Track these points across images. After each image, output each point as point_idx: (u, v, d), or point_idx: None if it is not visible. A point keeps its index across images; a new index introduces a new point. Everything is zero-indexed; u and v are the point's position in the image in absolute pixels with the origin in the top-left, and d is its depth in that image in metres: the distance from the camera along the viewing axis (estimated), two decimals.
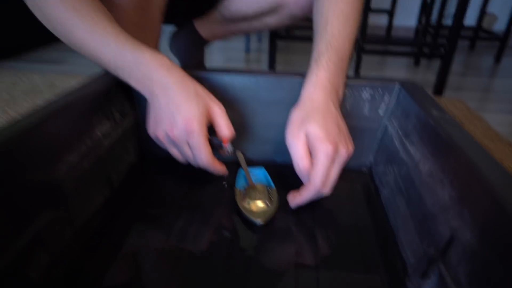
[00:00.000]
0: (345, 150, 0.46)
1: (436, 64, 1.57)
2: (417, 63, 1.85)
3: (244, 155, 0.62)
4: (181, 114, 0.46)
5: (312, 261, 0.44)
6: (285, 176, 0.58)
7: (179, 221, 0.50)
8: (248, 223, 0.50)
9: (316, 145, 0.45)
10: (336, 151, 0.45)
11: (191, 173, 0.61)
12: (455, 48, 1.16)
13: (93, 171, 0.47)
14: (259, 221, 0.49)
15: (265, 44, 2.06)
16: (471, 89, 1.52)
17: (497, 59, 1.96)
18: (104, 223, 0.48)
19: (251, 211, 0.50)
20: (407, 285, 0.39)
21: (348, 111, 0.59)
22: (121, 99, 0.56)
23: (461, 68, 1.84)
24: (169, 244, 0.46)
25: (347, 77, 0.57)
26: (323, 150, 0.45)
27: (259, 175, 0.60)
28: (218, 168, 0.52)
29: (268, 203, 0.52)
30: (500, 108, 1.33)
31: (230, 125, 0.52)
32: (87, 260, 0.43)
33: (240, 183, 0.57)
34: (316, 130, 0.46)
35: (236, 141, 0.63)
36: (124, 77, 0.50)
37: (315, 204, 0.53)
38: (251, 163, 0.63)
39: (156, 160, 0.64)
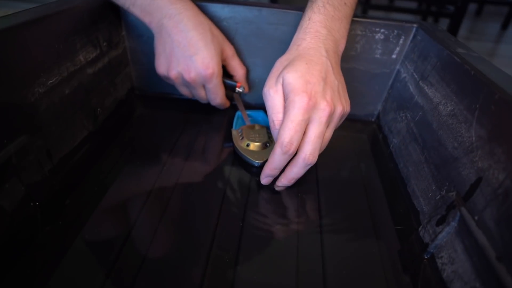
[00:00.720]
0: (326, 104, 0.37)
1: (442, 26, 1.51)
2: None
3: (240, 96, 0.57)
4: (199, 57, 0.45)
5: (314, 215, 0.41)
6: None
7: (171, 162, 0.46)
8: (246, 165, 0.46)
9: (289, 96, 0.37)
10: (313, 104, 0.37)
11: (184, 111, 0.56)
12: (468, 5, 1.09)
13: (74, 100, 0.42)
14: (258, 162, 0.45)
15: None
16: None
17: (504, 25, 1.90)
18: (89, 160, 0.44)
19: (249, 152, 0.46)
20: (420, 234, 0.36)
21: (358, 54, 0.54)
22: (108, 26, 0.50)
23: (466, 33, 1.78)
24: (159, 188, 0.42)
25: (358, 17, 0.51)
26: (295, 101, 0.36)
27: (257, 117, 0.56)
28: (226, 106, 0.55)
29: (268, 145, 0.48)
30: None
31: (242, 64, 0.53)
32: (69, 197, 0.39)
33: (237, 126, 0.53)
34: (292, 78, 0.37)
35: None
36: (126, 3, 0.46)
37: (318, 157, 0.49)
38: (250, 107, 0.58)
39: (146, 98, 0.59)
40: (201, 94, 0.50)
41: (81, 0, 0.45)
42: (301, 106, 0.36)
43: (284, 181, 0.41)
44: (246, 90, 0.55)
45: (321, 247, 0.36)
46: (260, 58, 0.56)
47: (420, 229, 0.36)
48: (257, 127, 0.50)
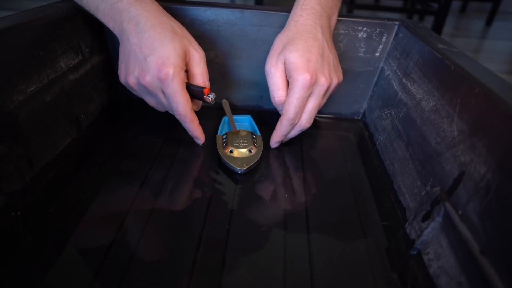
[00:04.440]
0: (325, 80, 0.42)
1: (428, 24, 1.52)
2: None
3: (230, 103, 0.56)
4: (153, 58, 0.39)
5: (301, 216, 0.40)
6: (273, 124, 0.52)
7: (156, 168, 0.45)
8: (231, 172, 0.45)
9: (292, 74, 0.42)
10: (314, 81, 0.42)
11: (170, 116, 0.55)
12: (451, 2, 1.11)
13: (56, 107, 0.41)
14: (240, 168, 0.44)
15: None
16: (462, 50, 1.49)
17: (488, 22, 1.92)
18: (73, 167, 0.43)
19: (232, 158, 0.45)
20: (407, 231, 0.36)
21: (342, 52, 0.54)
22: (89, 32, 0.50)
23: (451, 30, 1.80)
24: (144, 194, 0.41)
25: (341, 16, 0.52)
26: (299, 80, 0.41)
27: (244, 122, 0.55)
28: (194, 126, 0.45)
29: (252, 151, 0.47)
30: (492, 68, 1.30)
31: (206, 75, 0.45)
32: (52, 205, 0.38)
33: (223, 131, 0.52)
34: (294, 58, 0.42)
35: (219, 85, 0.58)
36: (91, 8, 0.44)
37: (304, 156, 0.49)
38: (235, 109, 0.58)
39: (131, 102, 0.59)
40: (165, 102, 0.43)
41: (60, 7, 0.44)
42: (305, 84, 0.41)
43: (281, 139, 0.49)
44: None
45: (309, 246, 0.36)
46: (244, 60, 0.56)
47: (406, 225, 0.37)
48: (242, 132, 0.49)
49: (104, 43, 0.54)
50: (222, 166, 0.46)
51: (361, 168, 0.48)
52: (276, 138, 0.48)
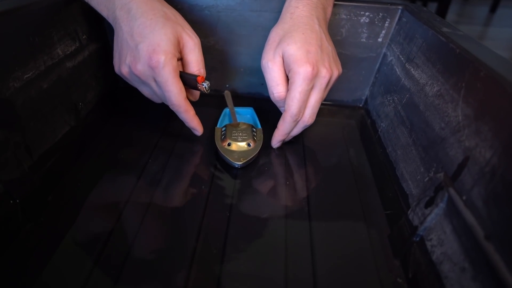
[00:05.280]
0: (326, 71, 0.40)
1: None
2: None
3: (231, 92, 0.55)
4: (144, 45, 0.38)
5: (302, 203, 0.40)
6: (274, 113, 0.50)
7: (155, 156, 0.45)
8: (229, 166, 0.44)
9: (293, 67, 0.39)
10: (316, 73, 0.39)
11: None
12: None
13: (53, 94, 0.41)
14: (237, 162, 0.43)
15: None
16: None
17: (493, 9, 1.89)
18: (71, 155, 0.43)
19: (230, 152, 0.44)
20: (409, 217, 0.36)
21: (344, 38, 0.53)
22: (87, 19, 0.49)
23: (455, 17, 1.77)
24: (144, 181, 0.41)
25: (343, 0, 0.51)
26: (300, 72, 0.39)
27: (245, 114, 0.53)
28: (190, 116, 0.43)
29: (251, 144, 0.45)
30: None
31: (202, 62, 0.43)
32: (51, 193, 0.38)
33: (223, 123, 0.50)
34: (293, 50, 0.39)
35: (219, 73, 0.57)
36: None
37: (305, 144, 0.49)
38: (236, 97, 0.57)
39: (130, 90, 0.58)
40: (158, 93, 0.42)
41: None
42: (306, 77, 0.39)
43: (284, 138, 0.46)
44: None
45: (310, 234, 0.35)
46: (244, 46, 0.55)
47: (409, 212, 0.36)
48: (242, 125, 0.48)
49: (102, 30, 0.53)
50: (221, 160, 0.45)
51: (363, 155, 0.47)
52: (278, 137, 0.45)
